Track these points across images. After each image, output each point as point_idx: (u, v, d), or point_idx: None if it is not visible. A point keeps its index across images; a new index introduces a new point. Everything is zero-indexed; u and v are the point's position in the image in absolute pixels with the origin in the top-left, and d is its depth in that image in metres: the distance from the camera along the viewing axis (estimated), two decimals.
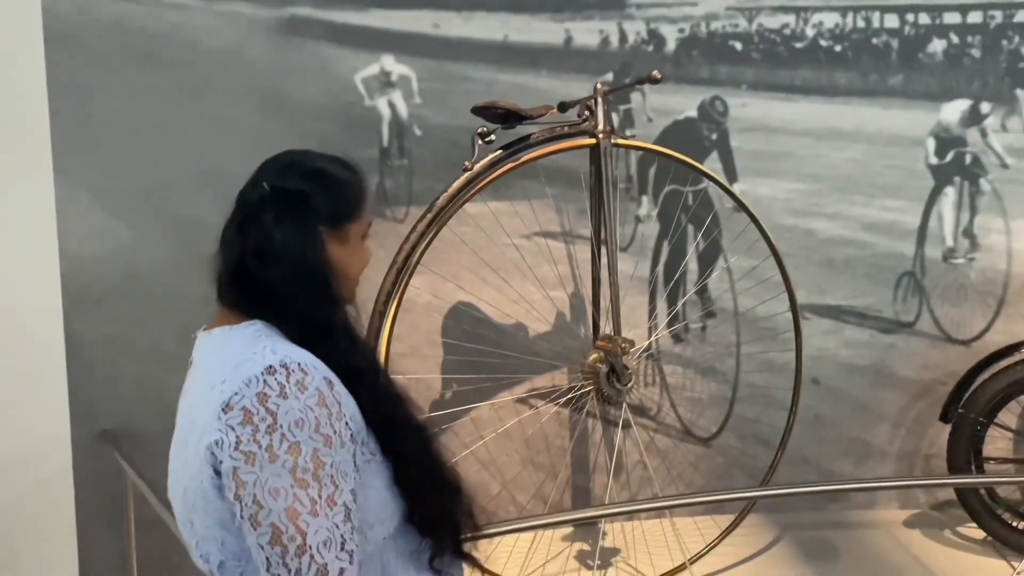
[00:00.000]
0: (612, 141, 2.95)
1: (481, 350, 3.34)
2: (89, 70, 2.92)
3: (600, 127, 2.93)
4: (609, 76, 3.56)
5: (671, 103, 3.66)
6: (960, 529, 3.57)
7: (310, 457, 1.10)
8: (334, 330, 1.24)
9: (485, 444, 3.38)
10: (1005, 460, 3.47)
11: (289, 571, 1.09)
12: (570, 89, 3.29)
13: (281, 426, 1.11)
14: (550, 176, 3.42)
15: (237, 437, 1.12)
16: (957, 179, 3.71)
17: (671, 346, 3.74)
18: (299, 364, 1.15)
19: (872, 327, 3.75)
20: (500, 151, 2.87)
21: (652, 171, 3.65)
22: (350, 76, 3.34)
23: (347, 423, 1.16)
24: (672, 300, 3.71)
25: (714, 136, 3.67)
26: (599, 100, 2.92)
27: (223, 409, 1.14)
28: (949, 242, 3.74)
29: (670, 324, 3.69)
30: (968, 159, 3.69)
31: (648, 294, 3.70)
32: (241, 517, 1.12)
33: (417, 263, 2.82)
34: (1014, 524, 3.34)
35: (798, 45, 3.68)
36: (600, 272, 3.14)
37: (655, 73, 2.85)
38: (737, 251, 3.62)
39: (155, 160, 3.03)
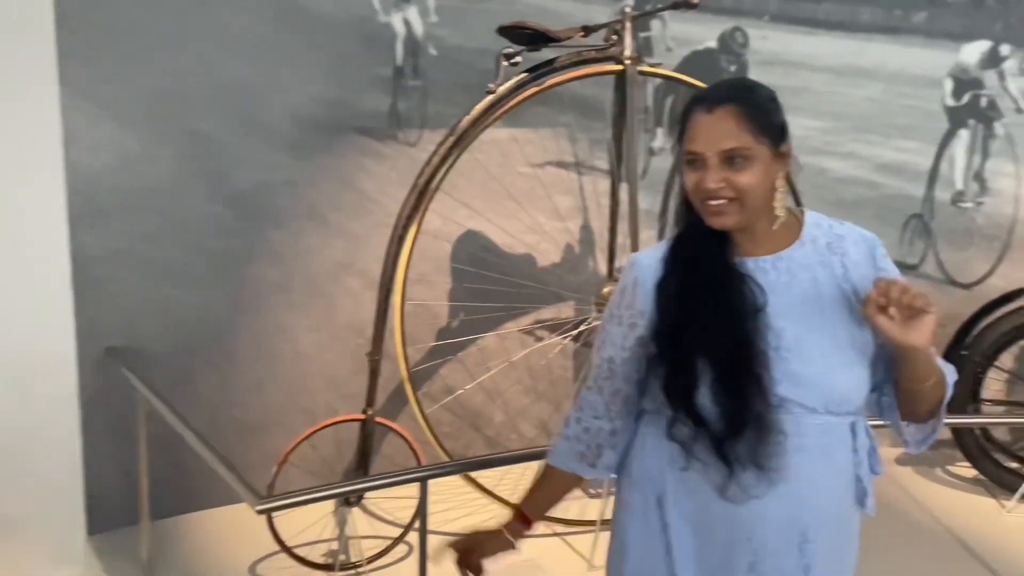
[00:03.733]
0: (638, 68, 2.87)
1: (490, 278, 3.31)
2: None
3: (627, 53, 2.84)
4: (630, 0, 3.46)
5: (691, 32, 3.57)
6: (951, 468, 3.66)
7: (605, 317, 1.52)
8: (678, 238, 1.47)
9: (491, 374, 3.38)
10: (1002, 402, 3.54)
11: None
12: (589, 13, 3.18)
13: (612, 297, 1.53)
14: (565, 104, 3.34)
15: None
16: (972, 122, 3.68)
17: None
18: (631, 262, 1.49)
19: None
20: (525, 74, 2.78)
21: (669, 102, 3.58)
22: None
23: (633, 313, 1.45)
24: None
25: (733, 68, 3.60)
26: (627, 25, 2.83)
27: None
28: (959, 185, 3.74)
29: None
30: (984, 102, 3.66)
31: (658, 229, 3.67)
32: None
33: (437, 188, 2.75)
34: (1006, 464, 3.43)
35: None
36: (618, 204, 3.10)
37: None
38: None
39: (165, 70, 2.90)
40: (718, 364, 1.38)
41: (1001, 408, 3.60)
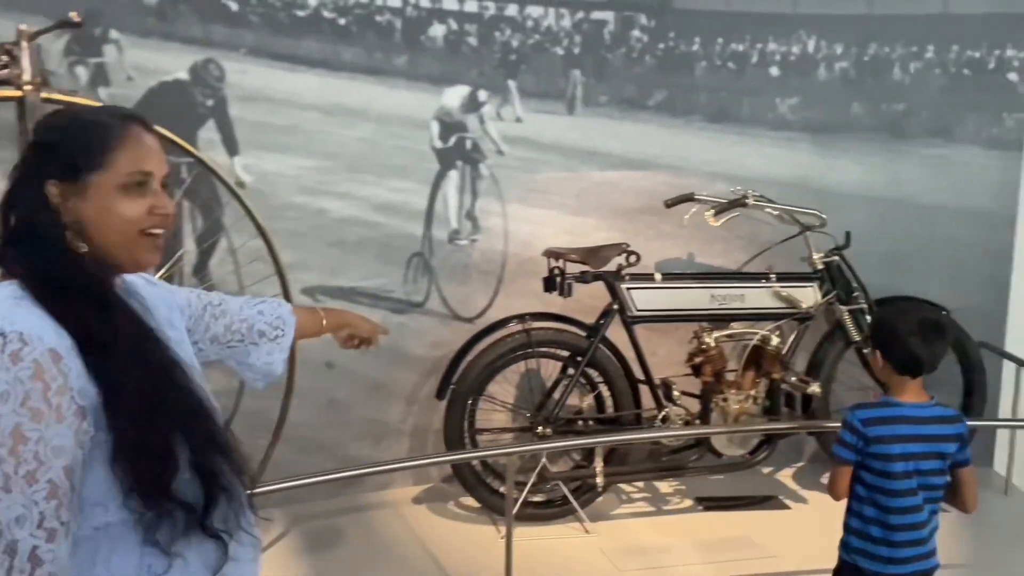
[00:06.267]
0: (43, 95, 2.39)
1: None
2: None
3: (26, 77, 2.35)
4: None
5: (157, 61, 3.17)
6: (463, 500, 3.65)
7: (10, 431, 1.05)
8: (65, 291, 1.15)
9: None
10: (499, 430, 3.60)
11: None
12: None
13: None
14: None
15: None
16: (460, 163, 3.75)
17: None
18: (20, 334, 1.08)
19: (384, 307, 3.66)
20: None
21: None
22: None
23: (73, 397, 1.09)
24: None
25: (210, 103, 3.26)
26: (24, 45, 2.35)
27: None
28: (454, 224, 3.79)
29: None
30: (469, 144, 3.75)
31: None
32: None
33: None
34: (501, 490, 3.47)
35: (300, 13, 3.41)
36: None
37: (74, 15, 2.35)
38: (245, 229, 3.27)
39: None
40: (193, 433, 1.20)
41: (509, 437, 3.68)
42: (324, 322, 1.78)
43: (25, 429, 1.05)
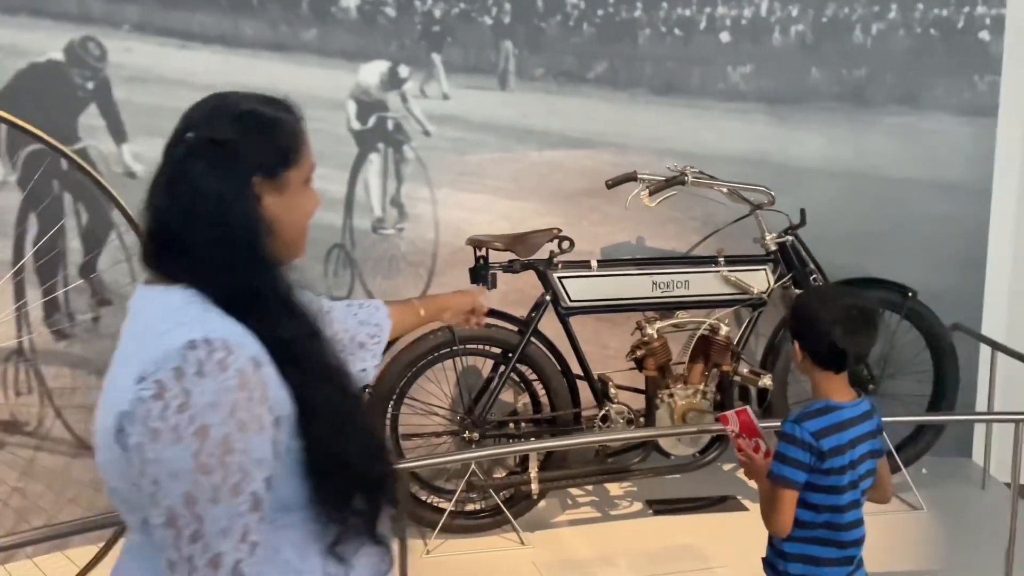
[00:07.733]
0: None
1: None
2: None
3: None
4: None
5: (26, 41, 2.85)
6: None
7: (219, 443, 1.03)
8: (264, 298, 1.12)
9: None
10: (426, 435, 3.29)
11: (181, 556, 1.03)
12: None
13: (193, 406, 1.03)
14: None
15: (147, 411, 1.04)
16: (381, 146, 3.43)
17: (52, 344, 2.98)
18: (224, 341, 1.07)
19: None
20: None
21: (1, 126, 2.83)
22: None
23: (271, 407, 1.08)
24: (50, 287, 2.94)
25: (91, 85, 2.95)
26: None
27: (138, 379, 1.05)
28: (377, 212, 3.47)
29: (49, 316, 2.93)
30: (391, 125, 3.43)
31: (14, 281, 2.89)
32: (143, 492, 1.06)
33: None
34: (426, 499, 3.17)
35: None
36: None
37: None
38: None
39: None
40: (368, 443, 1.20)
41: (438, 442, 3.37)
42: (422, 312, 1.74)
43: (233, 440, 1.03)
